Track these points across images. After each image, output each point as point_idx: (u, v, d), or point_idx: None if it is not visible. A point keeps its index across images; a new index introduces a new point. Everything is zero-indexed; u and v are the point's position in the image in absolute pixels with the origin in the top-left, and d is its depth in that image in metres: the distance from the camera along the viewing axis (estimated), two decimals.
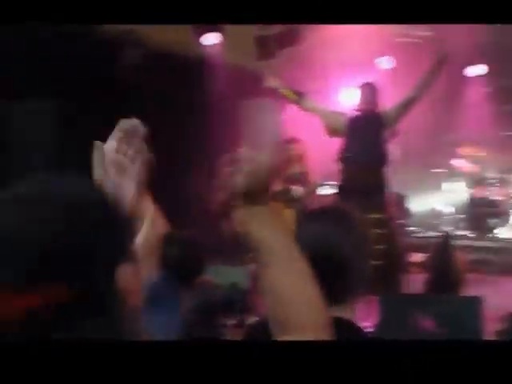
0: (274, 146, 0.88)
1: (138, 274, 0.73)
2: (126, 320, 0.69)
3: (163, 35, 5.69)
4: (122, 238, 0.70)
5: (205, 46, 6.29)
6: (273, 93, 4.93)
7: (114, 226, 0.70)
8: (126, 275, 0.68)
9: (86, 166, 0.96)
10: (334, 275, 1.22)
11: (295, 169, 5.21)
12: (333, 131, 4.64)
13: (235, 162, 0.86)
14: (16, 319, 0.62)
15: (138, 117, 1.02)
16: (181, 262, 1.86)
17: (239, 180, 0.85)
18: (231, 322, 3.42)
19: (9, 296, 0.62)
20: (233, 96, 6.32)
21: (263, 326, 1.49)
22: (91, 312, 0.65)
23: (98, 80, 5.86)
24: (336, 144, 4.64)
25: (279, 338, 0.85)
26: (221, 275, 3.84)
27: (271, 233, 0.87)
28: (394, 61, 6.42)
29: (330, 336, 0.86)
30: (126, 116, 1.01)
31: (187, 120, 6.22)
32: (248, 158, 0.86)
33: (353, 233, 1.28)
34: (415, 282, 4.03)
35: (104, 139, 1.00)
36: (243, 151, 0.87)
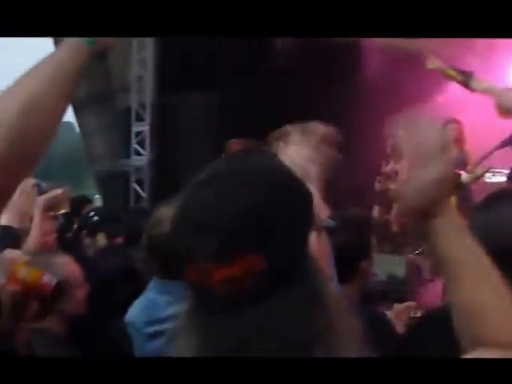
0: (441, 157, 0.83)
1: (324, 242, 0.76)
2: (322, 287, 0.72)
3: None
4: (309, 207, 0.73)
5: None
6: (436, 74, 4.62)
7: (301, 198, 0.73)
8: (314, 243, 0.71)
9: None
10: None
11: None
12: (506, 111, 4.20)
13: (392, 179, 0.84)
14: (217, 288, 0.67)
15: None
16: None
17: (404, 200, 0.84)
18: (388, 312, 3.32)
19: (211, 267, 0.67)
20: (393, 79, 6.07)
21: (430, 321, 1.39)
22: (286, 280, 0.68)
23: (253, 69, 6.05)
24: (508, 126, 4.22)
25: (472, 353, 0.78)
26: (377, 264, 3.74)
27: (458, 245, 0.82)
28: None
29: None
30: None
31: (344, 106, 6.12)
32: (407, 175, 0.83)
33: None
34: None
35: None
36: (401, 167, 0.84)
